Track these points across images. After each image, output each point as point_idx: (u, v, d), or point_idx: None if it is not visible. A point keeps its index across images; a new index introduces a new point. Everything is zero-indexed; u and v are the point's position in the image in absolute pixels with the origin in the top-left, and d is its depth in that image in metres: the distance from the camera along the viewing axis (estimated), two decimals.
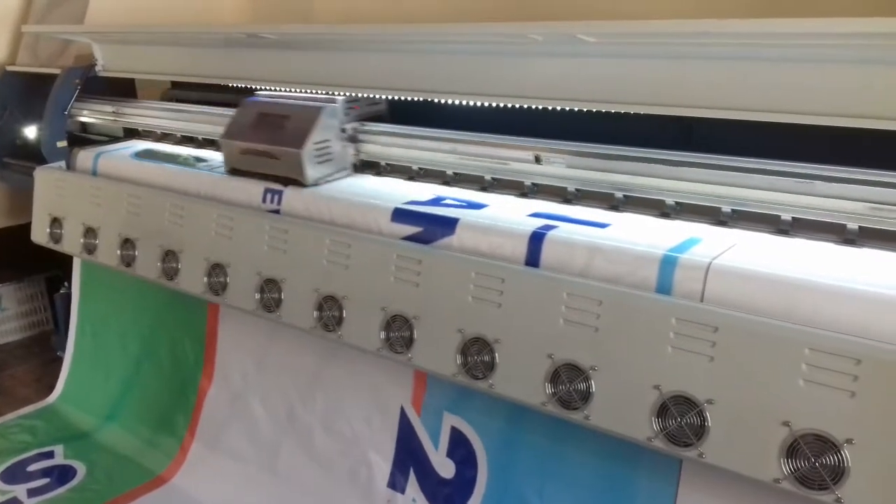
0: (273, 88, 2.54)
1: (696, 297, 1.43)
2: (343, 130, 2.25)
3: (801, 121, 1.51)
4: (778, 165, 1.57)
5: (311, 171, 2.15)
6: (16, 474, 2.54)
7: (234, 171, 2.32)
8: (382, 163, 2.28)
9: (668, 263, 1.48)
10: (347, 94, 2.29)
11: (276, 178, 2.20)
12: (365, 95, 2.29)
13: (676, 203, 1.73)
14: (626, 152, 1.76)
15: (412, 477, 2.06)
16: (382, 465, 2.12)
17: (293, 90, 2.45)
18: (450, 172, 2.13)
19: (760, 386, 1.30)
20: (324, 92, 2.35)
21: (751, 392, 1.31)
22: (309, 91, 2.39)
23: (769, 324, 1.31)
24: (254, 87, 2.61)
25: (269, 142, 2.20)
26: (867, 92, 1.44)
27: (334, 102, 2.23)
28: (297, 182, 2.16)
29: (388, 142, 2.25)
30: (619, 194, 1.80)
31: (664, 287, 1.47)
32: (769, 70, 1.55)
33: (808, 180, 1.53)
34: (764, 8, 2.23)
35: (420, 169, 2.20)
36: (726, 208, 1.65)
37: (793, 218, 1.57)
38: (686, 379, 1.37)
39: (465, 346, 1.68)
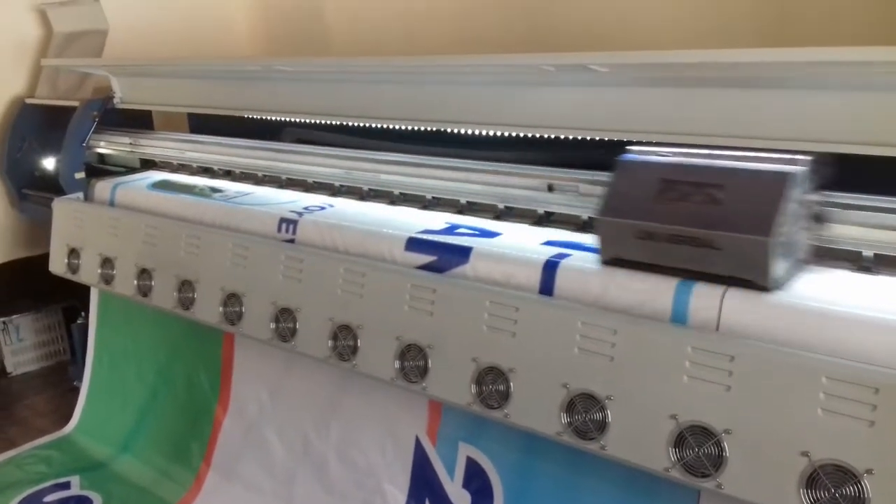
0: (289, 119, 2.57)
1: (711, 325, 1.42)
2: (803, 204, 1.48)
3: (816, 148, 1.51)
4: None
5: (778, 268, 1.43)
6: None
7: (615, 262, 1.60)
8: (396, 192, 2.29)
9: (682, 293, 1.47)
10: (363, 124, 2.32)
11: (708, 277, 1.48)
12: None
13: None
14: None
15: None
16: (398, 496, 2.10)
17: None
18: (463, 201, 2.14)
19: (778, 415, 1.29)
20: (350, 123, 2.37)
21: (769, 422, 1.30)
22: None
23: (786, 352, 1.31)
24: (271, 118, 2.65)
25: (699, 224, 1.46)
26: (877, 119, 1.44)
27: (796, 164, 1.46)
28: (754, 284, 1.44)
29: None
30: None
31: (679, 316, 1.46)
32: (779, 98, 1.56)
33: (822, 207, 1.53)
34: (772, 34, 2.26)
35: (433, 198, 2.21)
36: None
37: (808, 245, 1.57)
38: (703, 409, 1.36)
39: (479, 376, 1.68)
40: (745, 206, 1.42)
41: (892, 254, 1.47)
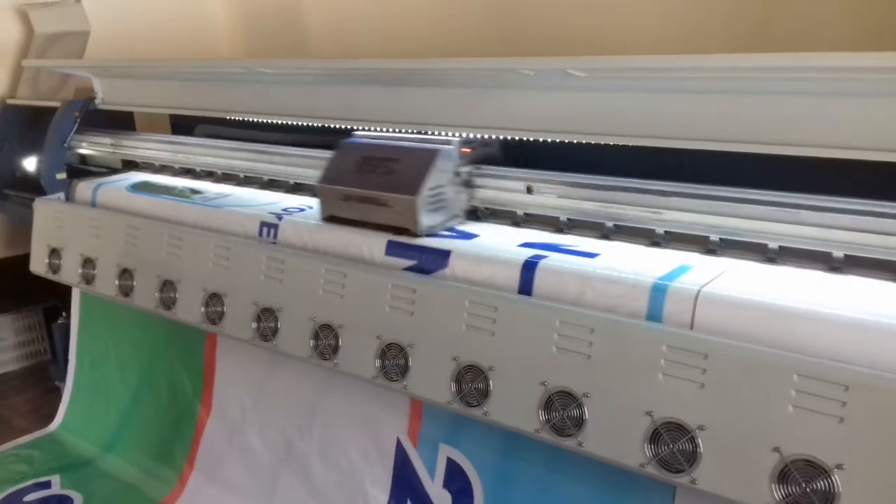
0: (269, 121, 2.58)
1: (685, 324, 1.45)
2: (457, 174, 2.04)
3: (787, 152, 1.55)
4: (765, 195, 1.60)
5: (425, 220, 1.94)
6: None
7: (331, 219, 2.13)
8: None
9: (658, 291, 1.50)
10: (345, 126, 2.34)
11: (380, 227, 2.01)
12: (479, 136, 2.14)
13: (666, 232, 1.75)
14: (617, 183, 1.80)
15: None
16: (379, 497, 2.12)
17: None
18: None
19: (750, 412, 1.32)
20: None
21: (741, 418, 1.33)
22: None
23: (758, 350, 1.34)
24: (250, 119, 2.66)
25: (377, 188, 2.01)
26: (851, 124, 1.47)
27: (449, 144, 2.01)
28: (407, 232, 1.96)
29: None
30: (610, 223, 1.83)
31: (654, 315, 1.49)
32: (756, 103, 1.59)
33: (794, 209, 1.56)
34: (750, 39, 2.29)
35: None
36: (714, 237, 1.68)
37: (780, 246, 1.60)
38: (677, 405, 1.39)
39: (459, 374, 1.70)
40: (406, 174, 1.97)
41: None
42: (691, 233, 1.71)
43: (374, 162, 2.06)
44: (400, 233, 1.96)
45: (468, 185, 2.06)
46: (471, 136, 2.08)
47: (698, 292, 1.46)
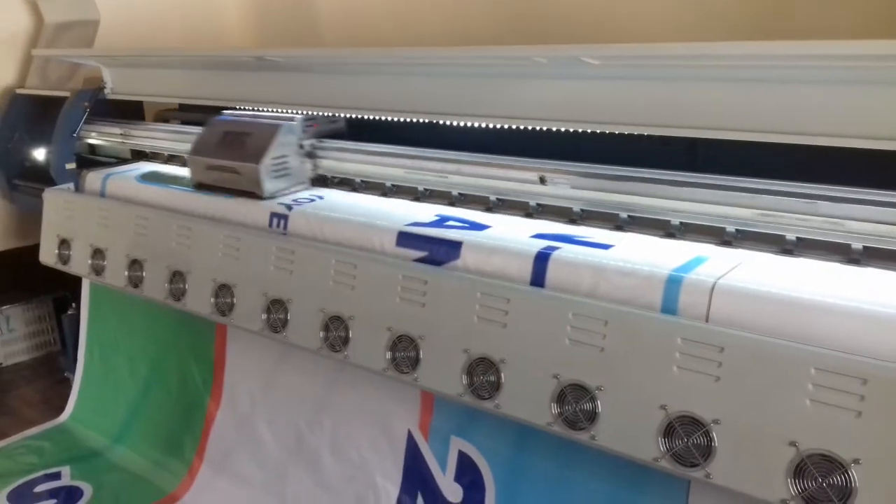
0: (281, 110, 2.57)
1: (701, 316, 1.43)
2: (301, 147, 2.39)
3: (803, 141, 1.52)
4: (782, 186, 1.58)
5: (269, 185, 2.31)
6: (23, 496, 2.54)
7: (199, 186, 2.47)
8: (388, 184, 2.29)
9: (673, 283, 1.48)
10: (354, 115, 2.32)
11: (237, 192, 2.36)
12: (325, 114, 2.46)
13: (681, 223, 1.73)
14: (631, 173, 1.78)
15: (420, 501, 2.05)
16: (390, 490, 2.11)
17: (283, 111, 2.52)
18: (455, 193, 2.14)
19: (767, 406, 1.30)
20: (329, 114, 2.39)
21: (757, 412, 1.31)
22: (298, 112, 2.44)
23: (775, 343, 1.32)
24: (261, 109, 2.64)
25: (230, 158, 2.36)
26: (870, 112, 1.45)
27: (293, 120, 2.38)
28: (256, 195, 2.31)
29: (347, 157, 2.38)
30: (624, 214, 1.81)
31: (669, 307, 1.47)
32: (771, 91, 1.57)
33: (812, 200, 1.54)
34: (767, 26, 2.26)
35: (425, 189, 2.21)
36: (731, 228, 1.66)
37: (797, 238, 1.58)
38: (692, 399, 1.37)
39: (470, 367, 1.68)
40: (255, 146, 2.32)
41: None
42: (707, 224, 1.69)
43: (232, 136, 2.40)
44: (249, 196, 2.31)
45: (311, 156, 2.39)
46: (321, 113, 2.43)
47: (714, 284, 1.44)
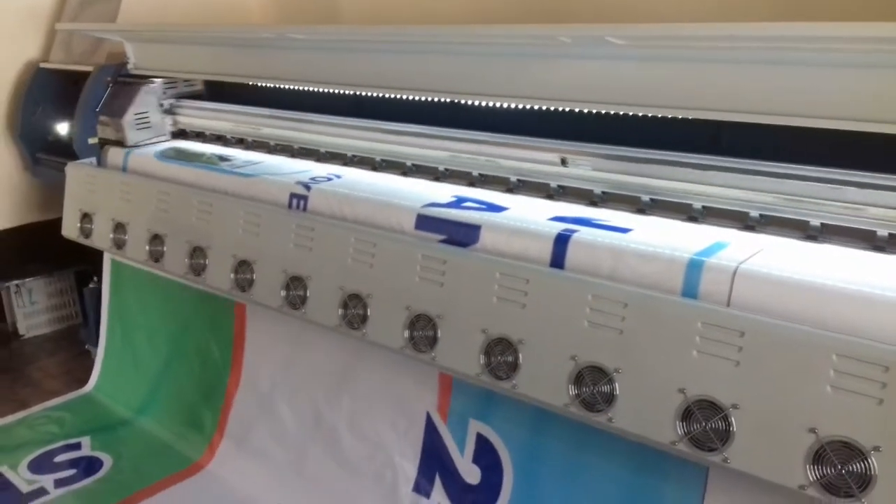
0: (301, 88, 2.56)
1: (722, 301, 1.42)
2: (161, 105, 2.93)
3: (831, 126, 1.50)
4: (807, 170, 1.56)
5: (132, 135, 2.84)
6: (43, 465, 2.58)
7: (103, 142, 2.94)
8: (408, 163, 2.28)
9: (694, 267, 1.47)
10: (375, 94, 2.31)
11: (113, 143, 2.89)
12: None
13: (703, 207, 1.72)
14: (654, 155, 1.76)
15: (438, 482, 2.07)
16: (408, 470, 2.12)
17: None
18: (475, 174, 2.13)
19: (787, 391, 1.29)
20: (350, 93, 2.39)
21: (777, 398, 1.30)
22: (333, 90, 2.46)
23: (797, 329, 1.31)
24: (282, 86, 2.64)
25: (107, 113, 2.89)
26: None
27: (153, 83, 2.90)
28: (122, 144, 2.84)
29: (204, 115, 2.90)
30: (646, 197, 1.80)
31: (690, 291, 1.46)
32: (799, 74, 1.54)
33: (838, 186, 1.52)
34: (795, 7, 2.22)
35: (445, 169, 2.20)
36: (754, 213, 1.64)
37: (822, 223, 1.56)
38: (711, 383, 1.36)
39: (488, 347, 1.68)
40: (120, 103, 2.90)
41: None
42: (730, 208, 1.67)
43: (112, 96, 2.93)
44: (116, 144, 2.84)
45: (171, 113, 2.95)
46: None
47: (736, 269, 1.42)
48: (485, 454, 1.97)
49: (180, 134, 2.99)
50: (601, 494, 1.77)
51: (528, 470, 1.90)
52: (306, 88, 2.57)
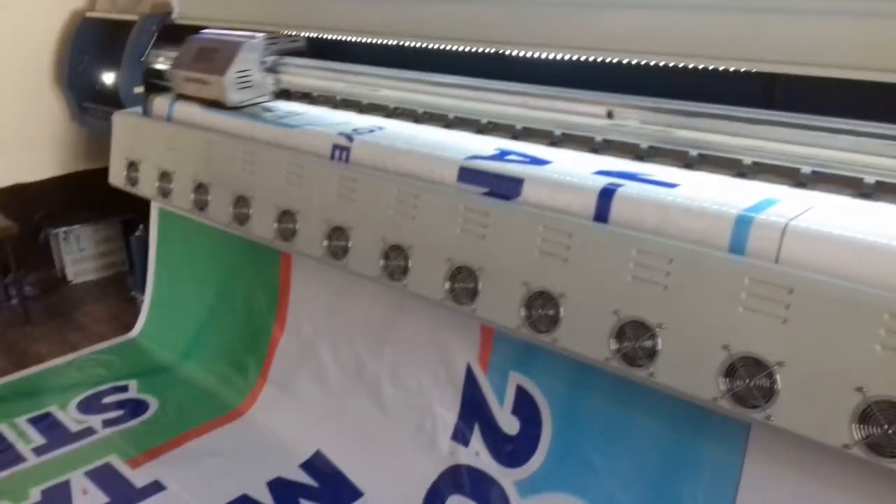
0: (344, 39, 2.55)
1: (770, 258, 1.39)
2: (263, 62, 2.69)
3: (888, 79, 1.45)
4: (863, 126, 1.51)
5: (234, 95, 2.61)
6: (91, 405, 2.66)
7: (180, 97, 2.78)
8: (451, 115, 2.26)
9: (742, 223, 1.44)
10: (412, 45, 2.29)
11: (209, 102, 2.66)
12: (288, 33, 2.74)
13: (754, 163, 1.68)
14: (704, 109, 1.72)
15: (476, 431, 2.09)
16: (448, 419, 2.15)
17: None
18: (519, 127, 2.11)
19: (835, 350, 1.27)
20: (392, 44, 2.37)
21: (825, 356, 1.28)
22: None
23: (847, 287, 1.28)
24: (324, 36, 2.63)
25: (202, 71, 2.67)
26: None
27: (254, 38, 2.67)
28: (222, 105, 2.61)
29: (307, 73, 2.68)
30: (694, 152, 1.76)
31: (737, 247, 1.43)
32: (857, 25, 1.49)
33: (894, 142, 1.47)
34: None
35: (488, 122, 2.18)
36: (806, 169, 1.60)
37: (876, 181, 1.51)
38: (757, 340, 1.35)
39: (529, 300, 1.68)
40: (221, 60, 2.63)
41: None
42: (781, 164, 1.63)
43: (206, 52, 2.72)
44: (215, 105, 2.61)
45: (273, 71, 2.70)
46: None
47: (786, 225, 1.39)
48: (524, 406, 1.98)
49: (283, 94, 2.76)
50: (640, 450, 1.77)
51: (567, 422, 1.90)
52: (349, 39, 2.55)
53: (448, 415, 2.14)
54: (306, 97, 2.72)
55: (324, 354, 2.48)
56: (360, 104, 2.53)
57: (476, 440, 2.08)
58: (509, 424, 2.01)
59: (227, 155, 2.44)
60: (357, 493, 2.18)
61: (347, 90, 2.56)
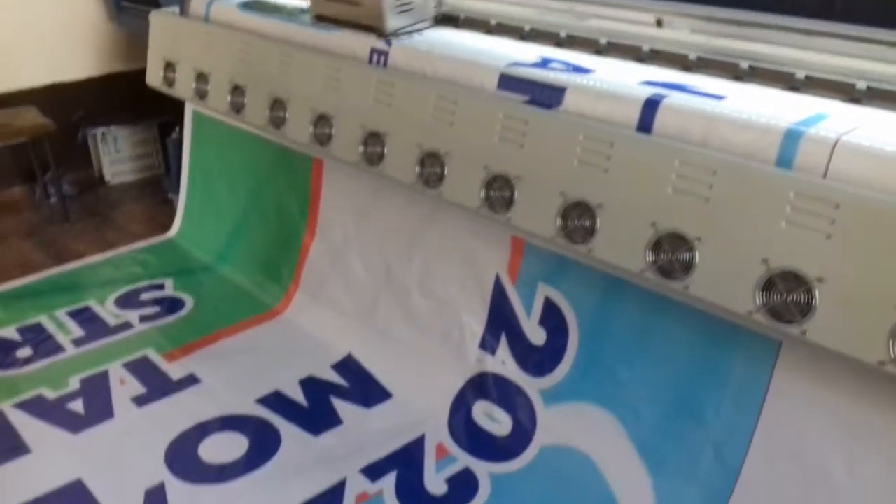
0: None
1: (819, 173, 1.36)
2: None
3: None
4: None
5: (392, 21, 2.20)
6: (129, 301, 2.72)
7: (319, 18, 2.42)
8: (492, 21, 2.20)
9: (791, 137, 1.40)
10: None
11: (357, 26, 2.27)
12: None
13: (806, 77, 1.62)
14: (758, 18, 1.65)
15: (503, 341, 2.10)
16: (475, 328, 2.16)
17: None
18: (563, 34, 2.05)
19: (879, 268, 1.24)
20: None
21: (867, 273, 1.25)
22: None
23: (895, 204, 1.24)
24: None
25: None
26: None
27: None
28: (377, 31, 2.21)
29: None
30: (745, 64, 1.70)
31: (785, 161, 1.40)
32: None
33: None
34: None
35: (531, 29, 2.12)
36: (861, 84, 1.54)
37: None
38: (798, 255, 1.32)
39: (566, 210, 1.66)
40: None
41: None
42: (835, 79, 1.57)
43: None
44: (371, 31, 2.21)
45: None
46: None
47: (837, 140, 1.35)
48: (551, 317, 1.99)
49: (446, 20, 2.35)
50: (667, 363, 1.77)
51: (593, 335, 1.91)
52: None
53: (475, 324, 2.16)
54: None
55: (354, 261, 2.50)
56: None
57: (502, 349, 2.10)
58: (536, 335, 2.03)
59: (264, 57, 2.41)
60: (386, 395, 2.23)
61: None
